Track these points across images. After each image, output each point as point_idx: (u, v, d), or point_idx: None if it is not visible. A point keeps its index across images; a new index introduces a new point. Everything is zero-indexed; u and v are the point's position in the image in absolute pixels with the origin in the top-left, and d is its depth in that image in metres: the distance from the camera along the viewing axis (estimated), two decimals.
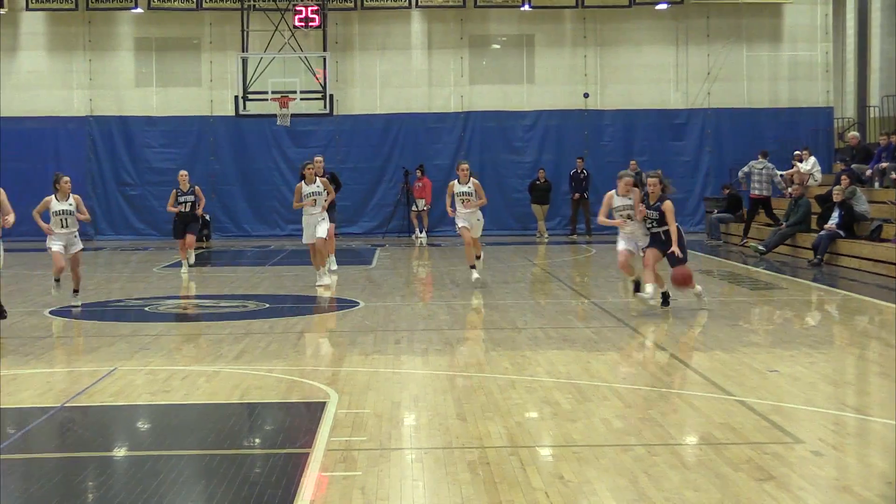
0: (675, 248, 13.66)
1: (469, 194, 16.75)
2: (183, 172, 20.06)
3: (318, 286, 17.10)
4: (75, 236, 14.65)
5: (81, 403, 9.02)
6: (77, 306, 14.82)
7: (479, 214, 17.09)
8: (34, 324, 13.27)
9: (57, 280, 14.82)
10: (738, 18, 30.41)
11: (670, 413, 8.51)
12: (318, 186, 17.06)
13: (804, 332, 12.98)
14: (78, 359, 11.07)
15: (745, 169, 25.41)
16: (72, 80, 30.25)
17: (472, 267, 17.03)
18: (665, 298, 14.11)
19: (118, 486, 6.74)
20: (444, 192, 17.31)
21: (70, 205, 14.49)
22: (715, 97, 30.43)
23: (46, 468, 7.28)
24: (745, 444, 7.40)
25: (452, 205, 16.96)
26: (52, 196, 14.55)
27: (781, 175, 25.28)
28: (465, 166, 16.91)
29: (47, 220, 14.50)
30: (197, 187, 20.04)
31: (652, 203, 14.06)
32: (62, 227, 14.47)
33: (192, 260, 20.24)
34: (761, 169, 25.01)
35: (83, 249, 15.04)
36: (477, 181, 16.91)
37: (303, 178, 17.07)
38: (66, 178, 14.67)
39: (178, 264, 20.06)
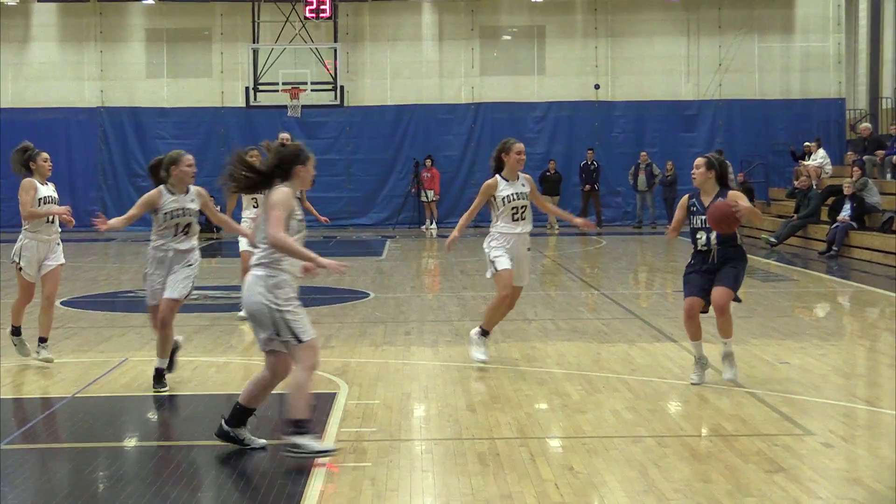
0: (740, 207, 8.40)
1: (525, 196, 10.33)
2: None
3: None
4: (57, 243, 10.21)
5: (92, 394, 9.05)
6: (49, 360, 10.07)
7: (529, 240, 10.46)
8: None
9: (16, 331, 10.34)
10: (749, 9, 30.30)
11: (680, 404, 8.50)
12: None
13: (815, 324, 12.97)
14: (89, 349, 11.08)
15: None
16: (83, 72, 30.30)
17: (485, 334, 10.28)
18: (164, 371, 9.17)
19: (127, 477, 6.76)
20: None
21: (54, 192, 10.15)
22: (726, 88, 30.32)
23: (57, 458, 7.30)
24: (756, 435, 7.39)
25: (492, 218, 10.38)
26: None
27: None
28: (521, 148, 10.65)
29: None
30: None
31: (707, 203, 8.76)
32: (47, 221, 10.03)
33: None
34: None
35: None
36: (530, 177, 10.67)
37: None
38: (45, 156, 10.07)
39: None
